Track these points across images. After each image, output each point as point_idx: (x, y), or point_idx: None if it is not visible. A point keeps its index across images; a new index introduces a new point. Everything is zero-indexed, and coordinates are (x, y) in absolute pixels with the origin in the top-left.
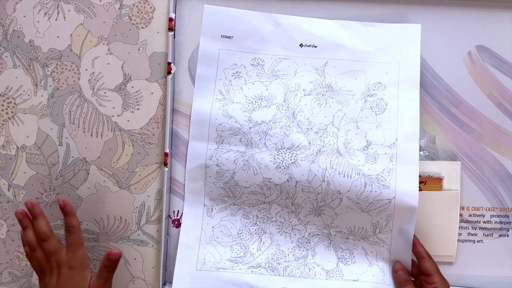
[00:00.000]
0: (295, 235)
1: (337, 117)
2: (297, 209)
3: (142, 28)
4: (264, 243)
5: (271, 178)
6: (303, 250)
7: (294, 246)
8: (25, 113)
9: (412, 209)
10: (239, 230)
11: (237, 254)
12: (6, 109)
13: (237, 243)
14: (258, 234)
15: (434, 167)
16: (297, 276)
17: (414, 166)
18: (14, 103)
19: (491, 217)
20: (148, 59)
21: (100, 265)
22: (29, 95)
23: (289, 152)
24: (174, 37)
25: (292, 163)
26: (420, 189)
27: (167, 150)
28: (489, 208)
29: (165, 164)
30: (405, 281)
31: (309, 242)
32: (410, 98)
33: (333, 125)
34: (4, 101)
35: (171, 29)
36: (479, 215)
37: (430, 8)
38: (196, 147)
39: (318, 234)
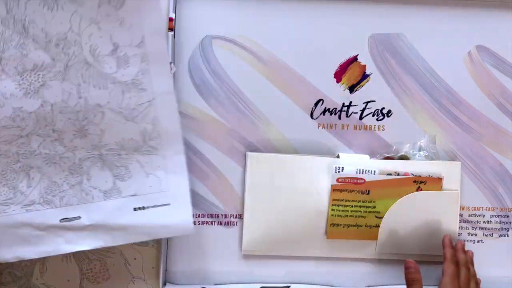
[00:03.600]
0: (65, 163)
1: (75, 20)
2: (60, 136)
3: None
4: (33, 178)
5: (22, 107)
6: (77, 177)
7: (66, 175)
8: None
9: (172, 107)
10: (2, 171)
11: (7, 197)
12: None
13: (3, 185)
14: (25, 171)
15: (434, 167)
16: (75, 204)
17: (166, 63)
18: None
19: (491, 217)
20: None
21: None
22: None
23: (34, 74)
24: (174, 37)
25: (41, 85)
26: (420, 189)
27: None
28: (489, 208)
29: None
30: (412, 280)
31: (82, 167)
32: None
33: (72, 31)
34: None
35: (171, 29)
36: (479, 215)
37: (430, 8)
38: None
39: (89, 157)
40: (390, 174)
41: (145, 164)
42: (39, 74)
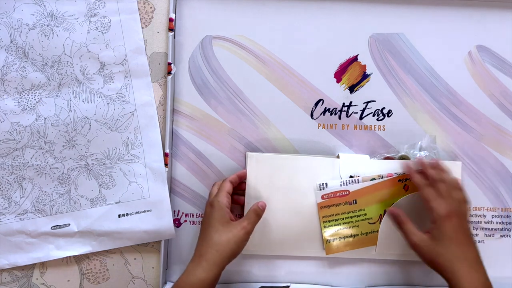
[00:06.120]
0: (55, 173)
1: (67, 45)
2: (51, 148)
3: (142, 28)
4: (25, 189)
5: (19, 122)
6: (65, 186)
7: (56, 185)
8: None
9: (152, 117)
10: None
11: (2, 207)
12: None
13: None
14: (18, 181)
15: None
16: (64, 212)
17: (146, 77)
18: None
19: (492, 217)
20: (148, 59)
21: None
22: None
23: (32, 93)
24: (174, 37)
25: (37, 102)
26: (407, 187)
27: (167, 150)
28: (490, 208)
29: (165, 164)
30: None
31: (70, 177)
32: (130, 10)
33: (65, 54)
34: None
35: (171, 29)
36: (480, 215)
37: (430, 8)
38: None
39: (76, 167)
40: (374, 179)
41: (128, 172)
42: (35, 93)
